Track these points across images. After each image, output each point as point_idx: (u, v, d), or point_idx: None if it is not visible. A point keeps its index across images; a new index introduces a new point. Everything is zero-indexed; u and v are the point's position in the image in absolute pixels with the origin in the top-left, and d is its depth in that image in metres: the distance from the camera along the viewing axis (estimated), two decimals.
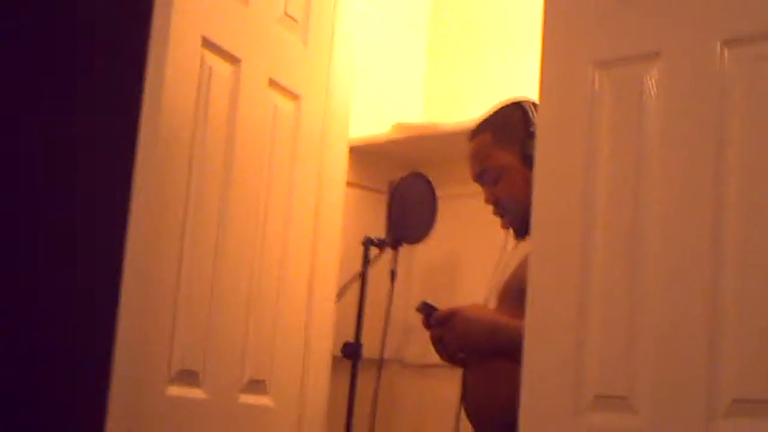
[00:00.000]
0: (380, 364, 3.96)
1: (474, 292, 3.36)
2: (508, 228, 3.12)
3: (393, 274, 3.94)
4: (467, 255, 4.29)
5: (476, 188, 3.24)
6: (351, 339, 3.90)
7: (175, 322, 2.84)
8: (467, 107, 4.25)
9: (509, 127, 3.07)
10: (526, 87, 3.82)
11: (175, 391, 2.84)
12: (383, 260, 3.99)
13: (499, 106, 3.17)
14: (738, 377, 2.09)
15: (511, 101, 3.15)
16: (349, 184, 3.67)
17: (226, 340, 3.02)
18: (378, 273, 4.00)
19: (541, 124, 2.47)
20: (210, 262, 2.97)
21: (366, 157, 4.21)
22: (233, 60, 3.04)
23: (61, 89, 2.59)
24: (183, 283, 2.87)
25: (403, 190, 3.91)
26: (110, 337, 2.59)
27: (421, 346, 4.17)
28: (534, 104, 3.03)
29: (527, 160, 2.88)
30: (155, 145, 2.71)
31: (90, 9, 2.66)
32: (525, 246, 3.03)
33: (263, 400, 3.18)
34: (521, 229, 3.04)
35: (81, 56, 2.64)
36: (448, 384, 3.52)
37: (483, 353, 2.97)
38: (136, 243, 2.65)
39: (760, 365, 2.07)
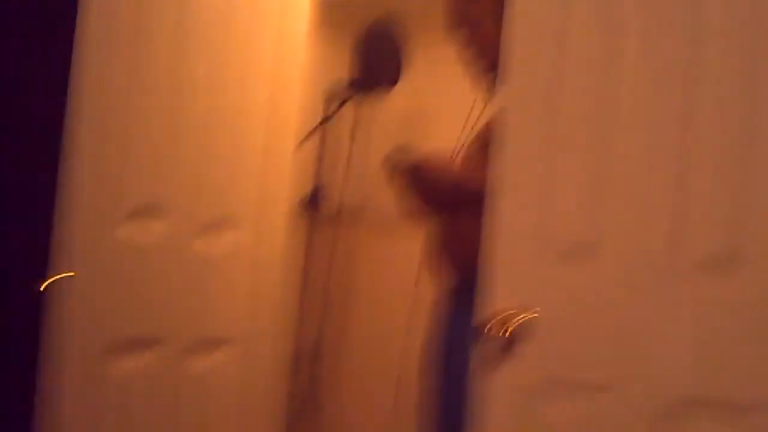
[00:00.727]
0: (339, 217, 3.90)
1: (441, 145, 3.28)
2: (482, 73, 3.02)
3: (356, 124, 3.87)
4: (435, 106, 4.17)
5: (442, 36, 3.14)
6: (314, 189, 3.84)
7: (130, 156, 2.76)
8: None
9: None
10: None
11: (129, 228, 2.78)
12: (348, 111, 3.89)
13: None
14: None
15: None
16: (315, 29, 3.53)
17: (184, 174, 2.95)
18: (342, 125, 3.92)
19: None
20: (166, 97, 2.87)
21: (333, 4, 4.06)
22: None
23: None
24: (139, 119, 2.77)
25: (371, 34, 3.80)
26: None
27: (385, 200, 4.13)
28: None
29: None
30: None
31: None
32: (496, 101, 2.97)
33: (222, 242, 3.09)
34: (496, 78, 2.94)
35: None
36: (410, 238, 3.46)
37: (450, 204, 2.91)
38: (88, 74, 2.56)
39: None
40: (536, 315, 2.18)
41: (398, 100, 4.08)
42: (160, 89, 2.85)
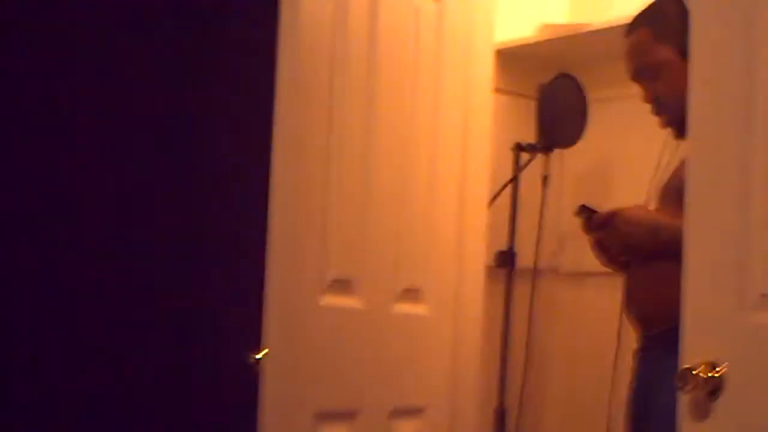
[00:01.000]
0: (535, 272, 3.90)
1: (628, 195, 3.29)
2: (667, 126, 3.02)
3: (545, 179, 3.89)
4: (619, 158, 4.17)
5: (628, 90, 3.16)
6: (504, 248, 3.87)
7: (327, 232, 2.82)
8: (613, 4, 4.11)
9: (667, 20, 2.99)
10: None
11: (329, 300, 2.82)
12: (535, 166, 3.92)
13: (655, 0, 3.04)
14: None
15: None
16: (496, 90, 3.58)
17: (378, 248, 3.00)
18: (530, 179, 3.94)
19: (694, 12, 2.33)
20: (359, 171, 2.93)
21: (513, 61, 4.10)
22: None
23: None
24: (333, 193, 2.84)
25: (553, 93, 3.84)
26: (262, 248, 2.56)
27: (577, 254, 4.12)
28: None
29: (687, 54, 2.77)
30: (296, 55, 2.67)
31: None
32: (686, 145, 2.95)
33: (418, 309, 3.15)
34: (681, 128, 2.94)
35: None
36: (605, 292, 3.46)
37: (645, 255, 2.89)
38: (283, 155, 2.64)
39: None
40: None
41: (585, 154, 4.09)
42: (353, 156, 2.92)
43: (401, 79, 3.09)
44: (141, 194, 2.80)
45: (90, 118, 2.66)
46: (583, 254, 3.24)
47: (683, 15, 2.90)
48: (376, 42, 2.97)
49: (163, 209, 2.77)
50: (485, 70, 3.43)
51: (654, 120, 3.05)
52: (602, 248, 3.01)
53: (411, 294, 3.11)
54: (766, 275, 2.13)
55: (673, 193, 2.90)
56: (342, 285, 2.87)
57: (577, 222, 3.03)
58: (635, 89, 3.08)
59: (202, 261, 2.64)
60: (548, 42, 4.08)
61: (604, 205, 3.07)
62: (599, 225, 2.95)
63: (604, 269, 3.11)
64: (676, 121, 2.96)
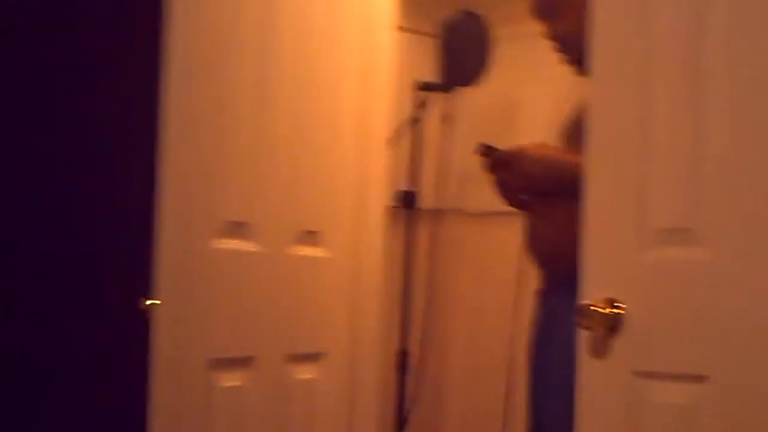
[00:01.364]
0: (438, 213, 3.87)
1: (532, 134, 3.25)
2: (569, 64, 2.99)
3: (447, 119, 3.83)
4: (524, 96, 4.14)
5: (531, 28, 3.10)
6: (406, 188, 3.82)
7: (220, 174, 2.74)
8: None
9: None
10: None
11: (223, 243, 2.75)
12: (437, 106, 3.86)
13: None
14: None
15: None
16: (398, 28, 3.50)
17: (275, 190, 2.92)
18: (433, 119, 3.89)
19: None
20: (253, 113, 2.86)
21: None
22: None
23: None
24: (227, 135, 2.76)
25: (456, 29, 3.78)
26: (151, 188, 2.49)
27: (481, 194, 4.09)
28: None
29: None
30: None
31: None
32: (587, 82, 2.93)
33: (317, 252, 3.09)
34: (583, 64, 2.88)
35: None
36: (510, 232, 3.43)
37: (548, 193, 2.85)
38: (174, 98, 2.55)
39: None
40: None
41: (489, 93, 4.05)
42: (246, 101, 2.84)
43: (297, 17, 3.01)
44: (23, 133, 2.69)
45: None
46: (487, 194, 3.21)
47: None
48: None
49: (49, 151, 2.66)
50: (386, 6, 3.36)
51: (558, 58, 3.02)
52: (504, 187, 2.97)
53: (309, 236, 3.05)
54: (663, 210, 2.13)
55: (575, 129, 2.86)
56: (236, 227, 2.80)
57: (479, 161, 2.98)
58: (538, 27, 3.04)
59: (92, 204, 2.55)
60: None
61: (509, 143, 3.03)
62: (501, 163, 2.91)
63: (509, 209, 3.07)
64: (578, 58, 2.92)
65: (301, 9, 3.03)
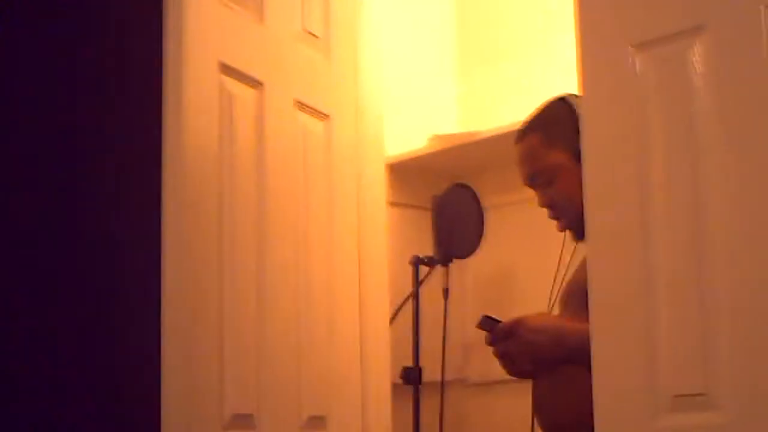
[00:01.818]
0: (442, 386, 3.83)
1: (532, 301, 3.24)
2: (565, 230, 2.99)
3: (446, 292, 3.83)
4: (520, 264, 4.16)
5: (522, 195, 3.16)
6: (409, 363, 3.79)
7: (223, 366, 2.72)
8: (502, 112, 4.12)
9: (557, 125, 2.97)
10: (561, 85, 3.72)
11: None
12: (434, 279, 3.86)
13: (543, 105, 3.06)
14: None
15: (555, 98, 3.04)
16: (391, 203, 3.54)
17: (278, 378, 2.90)
18: (430, 292, 3.89)
19: (585, 115, 2.34)
20: (252, 298, 2.85)
21: (405, 173, 4.09)
22: (254, 83, 2.92)
23: (77, 127, 2.49)
24: (226, 324, 2.74)
25: (448, 203, 3.80)
26: (156, 387, 2.47)
27: (483, 363, 4.07)
28: (570, 97, 2.93)
29: (579, 158, 2.76)
30: (182, 183, 2.60)
31: (104, 45, 2.56)
32: (584, 247, 2.94)
33: None
34: (579, 230, 2.89)
35: (100, 93, 2.53)
36: (515, 399, 3.40)
37: (552, 362, 2.84)
38: (173, 286, 2.55)
39: None
40: None
41: (484, 262, 4.05)
42: (246, 290, 2.84)
43: (292, 199, 3.04)
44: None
45: None
46: (489, 363, 3.19)
47: (572, 117, 2.90)
48: (263, 163, 2.92)
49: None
50: (378, 184, 3.40)
51: (551, 223, 3.03)
52: (508, 358, 2.95)
53: (315, 422, 3.02)
54: (677, 376, 2.10)
55: (575, 296, 2.86)
56: (242, 420, 2.76)
57: (480, 332, 2.97)
58: (530, 194, 3.06)
59: (99, 402, 2.52)
60: (440, 152, 4.07)
61: (509, 312, 3.02)
62: (503, 336, 2.88)
63: (510, 378, 3.05)
64: (574, 224, 2.93)
65: (296, 188, 3.06)
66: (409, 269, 3.83)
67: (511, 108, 3.98)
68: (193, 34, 2.65)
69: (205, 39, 2.71)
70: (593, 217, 2.27)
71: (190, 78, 2.63)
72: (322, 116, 3.19)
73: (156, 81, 2.59)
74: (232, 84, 2.82)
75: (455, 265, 3.92)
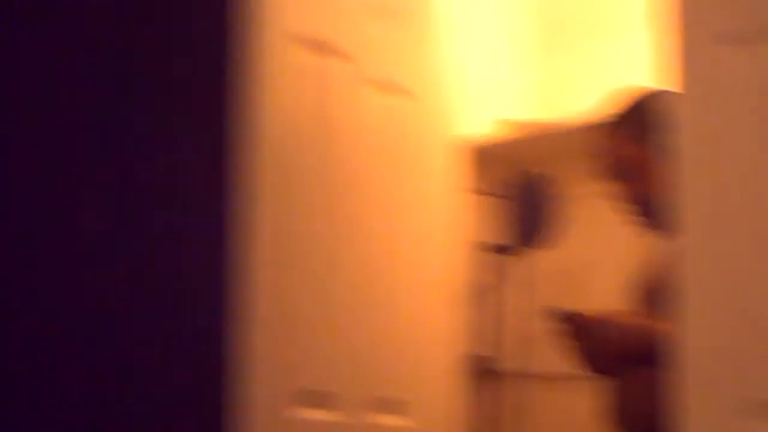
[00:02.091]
0: (507, 375, 3.81)
1: (600, 296, 3.23)
2: (645, 225, 2.96)
3: (515, 281, 3.80)
4: (591, 257, 4.12)
5: (598, 186, 3.16)
6: (476, 352, 3.77)
7: (296, 341, 2.69)
8: (580, 100, 4.09)
9: (643, 118, 2.98)
10: (640, 73, 3.67)
11: (301, 413, 2.68)
12: (506, 268, 3.83)
13: (630, 97, 3.04)
14: None
15: (642, 91, 3.02)
16: (465, 189, 3.49)
17: (357, 359, 2.87)
18: (499, 281, 3.86)
19: (682, 111, 2.27)
20: (339, 277, 2.83)
21: (481, 159, 4.04)
22: (329, 53, 2.86)
23: (156, 109, 2.47)
24: (301, 295, 2.72)
25: (523, 192, 3.76)
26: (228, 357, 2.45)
27: (548, 356, 4.04)
28: (663, 92, 2.89)
29: (660, 151, 2.76)
30: (270, 152, 2.60)
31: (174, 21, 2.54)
32: (664, 244, 2.90)
33: (397, 420, 2.99)
34: (659, 226, 2.87)
35: (174, 77, 2.51)
36: (577, 395, 3.37)
37: (633, 361, 2.82)
38: (260, 256, 2.54)
39: None
40: None
41: (556, 253, 4.01)
42: (317, 263, 2.81)
43: (377, 176, 3.01)
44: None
45: None
46: (553, 356, 3.16)
47: (660, 112, 2.88)
48: (332, 141, 2.88)
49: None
50: (453, 168, 3.34)
51: (626, 218, 3.00)
52: (587, 355, 2.92)
53: (388, 404, 2.96)
54: (765, 384, 2.05)
55: (652, 293, 2.87)
56: (314, 396, 2.73)
57: (547, 324, 2.95)
58: (606, 186, 3.03)
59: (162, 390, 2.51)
60: (516, 140, 4.04)
61: (579, 306, 3.00)
62: (584, 330, 2.86)
63: (575, 372, 3.02)
64: (654, 220, 2.90)
65: (367, 166, 3.02)
66: (480, 257, 3.81)
67: (590, 97, 3.94)
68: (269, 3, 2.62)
69: (281, 8, 2.68)
70: (689, 215, 2.21)
71: (267, 47, 2.61)
72: (399, 92, 3.13)
73: (230, 53, 2.55)
74: (307, 55, 2.78)
75: (528, 255, 3.89)
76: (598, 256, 4.07)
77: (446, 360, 3.24)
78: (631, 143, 2.94)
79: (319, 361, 2.76)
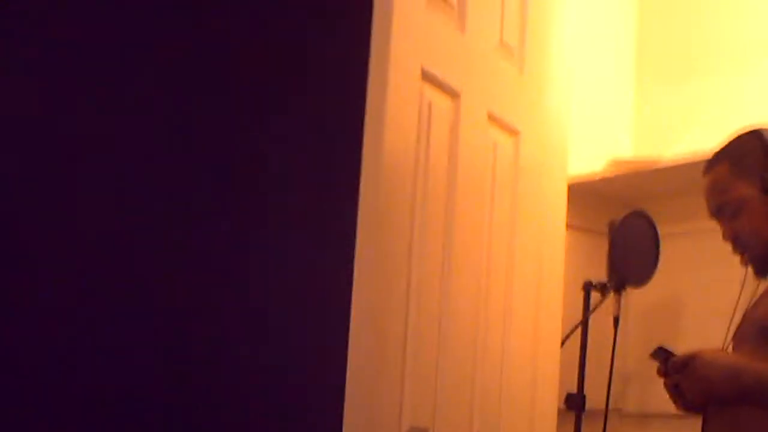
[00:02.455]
0: (606, 415, 3.77)
1: (699, 335, 3.19)
2: (748, 264, 2.92)
3: (616, 321, 3.77)
4: (691, 296, 4.08)
5: (699, 225, 3.14)
6: (573, 389, 3.74)
7: (404, 378, 2.68)
8: (683, 137, 4.06)
9: (748, 157, 2.91)
10: (747, 112, 3.63)
11: None
12: (604, 305, 3.80)
13: (735, 136, 3.01)
14: None
15: (747, 130, 2.99)
16: (567, 225, 3.48)
17: (454, 394, 2.86)
18: (597, 317, 3.83)
19: None
20: (435, 312, 2.81)
21: (582, 195, 4.02)
22: (453, 93, 2.88)
23: (281, 126, 2.48)
24: (410, 333, 2.70)
25: (625, 230, 3.74)
26: (340, 396, 2.46)
27: (642, 394, 4.01)
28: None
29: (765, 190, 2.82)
30: (378, 183, 2.57)
31: (307, 44, 2.55)
32: (765, 284, 2.87)
33: None
34: (762, 266, 2.87)
35: (301, 94, 2.53)
36: None
37: (725, 400, 2.77)
38: (362, 291, 2.52)
39: None
40: None
41: (654, 290, 3.98)
42: (430, 302, 2.80)
43: (478, 213, 2.99)
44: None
45: None
46: (648, 395, 3.13)
47: (763, 152, 2.86)
48: (455, 173, 2.88)
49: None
50: (559, 205, 3.35)
51: (729, 257, 2.97)
52: (679, 392, 2.89)
53: None
54: None
55: (754, 334, 2.81)
56: None
57: (643, 361, 2.93)
58: (708, 224, 3.02)
59: (276, 408, 2.51)
60: (618, 177, 4.01)
61: (674, 345, 2.96)
62: (677, 368, 2.83)
63: (669, 411, 2.98)
64: (757, 259, 2.88)
65: (483, 202, 3.02)
66: (581, 294, 3.79)
67: (692, 134, 3.92)
68: (399, 38, 2.61)
69: (410, 44, 2.67)
70: None
71: (394, 82, 2.60)
72: (512, 131, 3.15)
73: (360, 82, 2.57)
74: (431, 92, 2.78)
75: (627, 292, 3.86)
76: (697, 295, 4.02)
77: (548, 399, 3.24)
78: (731, 180, 2.91)
79: (427, 399, 2.77)
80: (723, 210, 2.94)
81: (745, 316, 2.93)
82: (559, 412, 3.53)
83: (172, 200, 2.35)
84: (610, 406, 3.94)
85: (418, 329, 2.72)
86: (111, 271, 2.25)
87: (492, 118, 3.04)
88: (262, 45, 2.50)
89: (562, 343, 3.42)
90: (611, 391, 3.89)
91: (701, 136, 3.74)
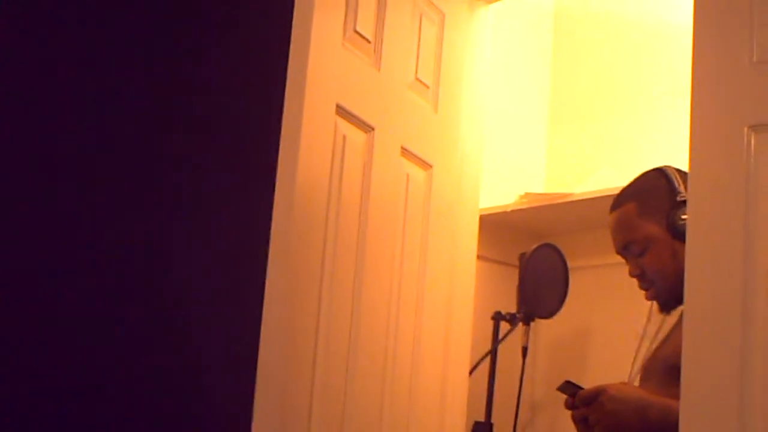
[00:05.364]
0: None
1: (606, 367, 3.24)
2: (653, 301, 2.99)
3: (525, 351, 3.83)
4: (598, 329, 4.15)
5: (607, 259, 3.18)
6: (481, 418, 3.78)
7: (312, 403, 2.71)
8: (589, 175, 4.14)
9: (654, 196, 2.99)
10: (653, 151, 3.72)
11: None
12: (513, 336, 3.86)
13: (641, 175, 3.06)
14: None
15: (654, 169, 3.05)
16: (478, 257, 3.54)
17: (362, 421, 2.89)
18: (506, 348, 3.88)
19: (693, 192, 2.34)
20: (345, 337, 2.85)
21: (494, 228, 4.08)
22: (366, 128, 2.94)
23: (196, 159, 2.52)
24: (319, 362, 2.74)
25: (535, 262, 3.79)
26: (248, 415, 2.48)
27: (550, 424, 4.05)
28: (677, 171, 2.93)
29: (673, 231, 2.88)
30: (290, 214, 2.61)
31: (224, 76, 2.59)
32: (670, 320, 2.94)
33: None
34: (667, 303, 2.96)
35: (214, 125, 2.57)
36: None
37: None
38: (272, 320, 2.55)
39: None
40: None
41: (562, 322, 4.04)
42: (339, 339, 2.84)
43: (390, 244, 3.04)
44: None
45: None
46: (557, 424, 3.17)
47: (670, 190, 2.92)
48: (367, 205, 2.93)
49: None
50: (471, 237, 3.41)
51: (636, 291, 3.03)
52: (586, 425, 2.94)
53: None
54: None
55: (660, 369, 2.87)
56: None
57: (551, 391, 2.97)
58: (616, 258, 3.07)
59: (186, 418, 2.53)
60: (529, 210, 4.07)
61: (580, 376, 3.02)
62: (585, 401, 2.87)
63: None
64: (662, 296, 2.95)
65: (394, 235, 3.07)
66: (490, 324, 3.84)
67: (603, 171, 3.99)
68: (315, 74, 2.67)
69: (325, 80, 2.73)
70: (693, 295, 2.28)
71: (308, 115, 2.65)
72: (425, 165, 3.21)
73: (275, 115, 2.62)
74: (345, 126, 2.84)
75: (536, 324, 3.92)
76: (605, 328, 4.09)
77: (456, 427, 3.28)
78: (638, 218, 2.97)
79: (334, 427, 2.80)
80: (630, 248, 2.99)
81: (654, 352, 2.99)
82: None
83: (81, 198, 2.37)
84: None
85: (326, 358, 2.75)
86: (10, 274, 2.26)
87: (405, 152, 3.10)
88: (187, 74, 2.54)
89: (471, 372, 3.46)
90: (518, 420, 3.95)
91: (611, 173, 3.81)
